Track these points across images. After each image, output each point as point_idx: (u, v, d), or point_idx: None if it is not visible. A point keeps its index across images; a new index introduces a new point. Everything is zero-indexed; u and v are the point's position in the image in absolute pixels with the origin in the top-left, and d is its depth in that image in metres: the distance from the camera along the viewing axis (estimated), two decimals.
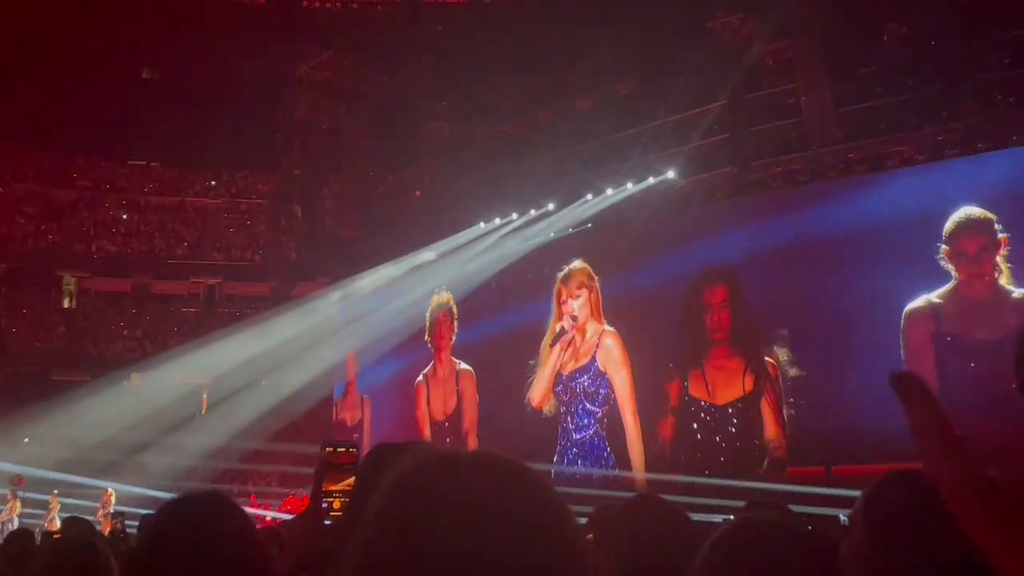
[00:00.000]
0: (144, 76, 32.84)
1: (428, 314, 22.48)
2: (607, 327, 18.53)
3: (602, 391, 18.62)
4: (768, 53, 18.92)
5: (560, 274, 19.13)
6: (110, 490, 18.68)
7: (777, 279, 15.73)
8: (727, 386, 16.29)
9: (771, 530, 1.84)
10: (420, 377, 22.19)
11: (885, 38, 17.17)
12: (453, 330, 21.87)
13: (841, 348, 14.62)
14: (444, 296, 22.28)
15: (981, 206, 13.44)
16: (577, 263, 19.00)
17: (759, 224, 16.34)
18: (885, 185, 15.37)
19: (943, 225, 13.61)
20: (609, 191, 19.70)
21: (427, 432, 21.78)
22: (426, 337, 22.47)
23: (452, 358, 21.68)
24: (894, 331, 13.98)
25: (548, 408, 19.23)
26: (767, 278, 15.88)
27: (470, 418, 21.29)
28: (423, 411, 22.04)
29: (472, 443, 21.00)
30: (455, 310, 21.88)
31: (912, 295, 13.94)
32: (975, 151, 14.50)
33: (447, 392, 21.64)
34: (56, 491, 18.69)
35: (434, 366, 22.17)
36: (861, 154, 16.97)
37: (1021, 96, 14.89)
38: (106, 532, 17.15)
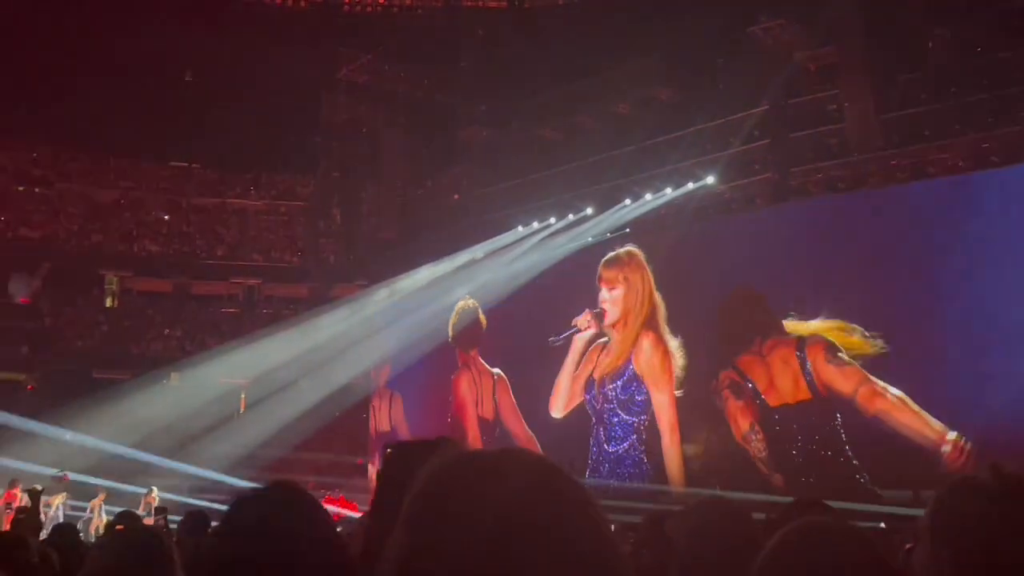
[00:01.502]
0: (186, 79, 33.11)
1: (451, 323, 22.30)
2: (647, 328, 18.04)
3: (638, 398, 17.80)
4: (810, 59, 18.74)
5: (606, 257, 18.87)
6: (154, 489, 18.82)
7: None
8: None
9: (830, 535, 1.81)
10: (458, 372, 22.13)
11: (930, 44, 16.93)
12: (478, 340, 21.71)
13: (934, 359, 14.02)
14: (469, 303, 22.07)
15: None
16: (627, 248, 18.53)
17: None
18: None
19: None
20: (648, 196, 19.61)
21: (473, 422, 21.50)
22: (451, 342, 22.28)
23: (482, 361, 21.56)
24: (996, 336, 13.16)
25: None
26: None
27: (519, 425, 20.99)
28: (463, 401, 21.84)
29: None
30: (482, 318, 21.69)
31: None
32: (1022, 159, 14.25)
33: (485, 396, 21.36)
34: (100, 487, 18.86)
35: (466, 366, 22.01)
36: (903, 161, 16.78)
37: None
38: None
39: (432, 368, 22.54)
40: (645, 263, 18.16)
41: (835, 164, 17.86)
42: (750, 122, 19.01)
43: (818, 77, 18.88)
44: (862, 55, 17.11)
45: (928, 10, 16.76)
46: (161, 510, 12.17)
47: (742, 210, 19.10)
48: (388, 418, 24.14)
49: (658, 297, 17.80)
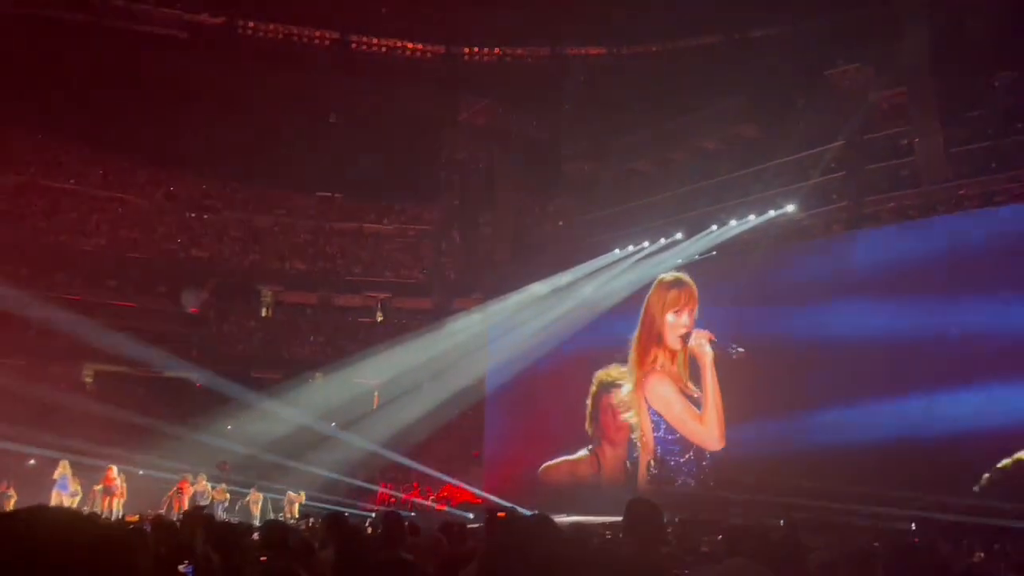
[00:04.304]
0: (331, 120, 33.88)
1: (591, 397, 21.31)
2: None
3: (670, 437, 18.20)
4: (883, 98, 18.27)
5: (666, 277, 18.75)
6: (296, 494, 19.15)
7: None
8: None
9: None
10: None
11: (996, 84, 16.30)
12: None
13: None
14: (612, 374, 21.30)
15: None
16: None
17: None
18: None
19: None
20: (733, 222, 19.35)
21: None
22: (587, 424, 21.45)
23: None
24: None
25: None
26: None
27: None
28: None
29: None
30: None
31: None
32: None
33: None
34: (256, 485, 19.22)
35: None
36: (970, 191, 16.19)
37: None
38: (293, 513, 17.84)
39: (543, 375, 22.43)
40: (659, 292, 18.39)
41: (907, 194, 17.35)
42: (827, 156, 18.62)
43: (891, 114, 18.39)
44: (931, 94, 16.59)
45: (993, 53, 16.15)
46: (304, 517, 12.44)
47: (820, 235, 18.67)
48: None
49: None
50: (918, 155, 17.16)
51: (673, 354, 18.47)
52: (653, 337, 18.95)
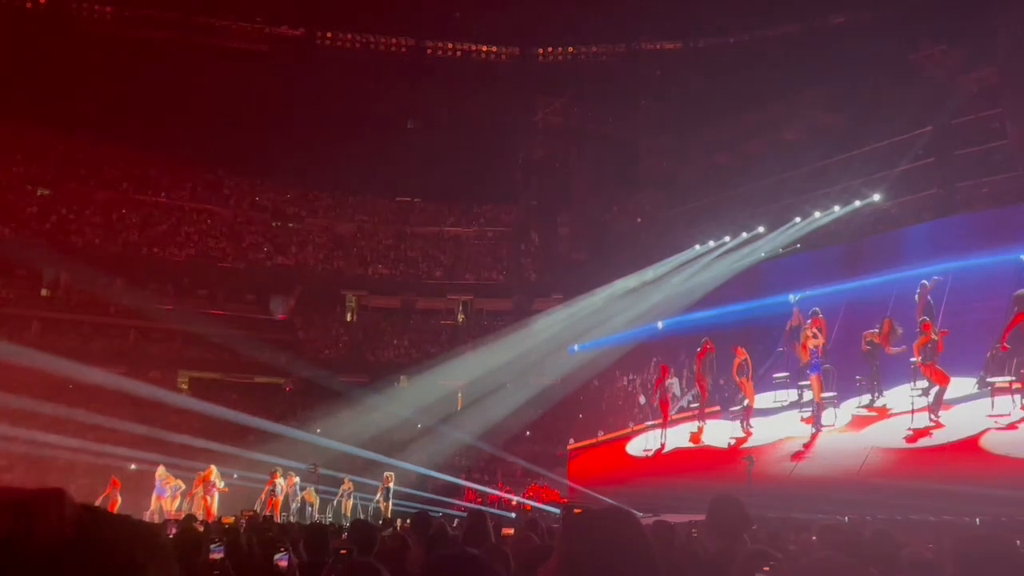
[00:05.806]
0: (408, 126, 34.29)
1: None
2: None
3: None
4: (972, 80, 17.61)
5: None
6: (389, 474, 19.53)
7: None
8: None
9: None
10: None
11: None
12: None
13: None
14: None
15: None
16: None
17: None
18: None
19: None
20: (817, 214, 18.95)
21: None
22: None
23: None
24: None
25: None
26: None
27: None
28: None
29: None
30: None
31: None
32: None
33: None
34: (348, 477, 19.61)
35: None
36: None
37: None
38: (387, 512, 18.12)
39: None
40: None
41: (1002, 179, 16.71)
42: (916, 143, 18.06)
43: (980, 97, 17.71)
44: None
45: None
46: (390, 523, 12.60)
47: (910, 224, 18.11)
48: None
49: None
50: (1011, 137, 16.52)
51: None
52: None
